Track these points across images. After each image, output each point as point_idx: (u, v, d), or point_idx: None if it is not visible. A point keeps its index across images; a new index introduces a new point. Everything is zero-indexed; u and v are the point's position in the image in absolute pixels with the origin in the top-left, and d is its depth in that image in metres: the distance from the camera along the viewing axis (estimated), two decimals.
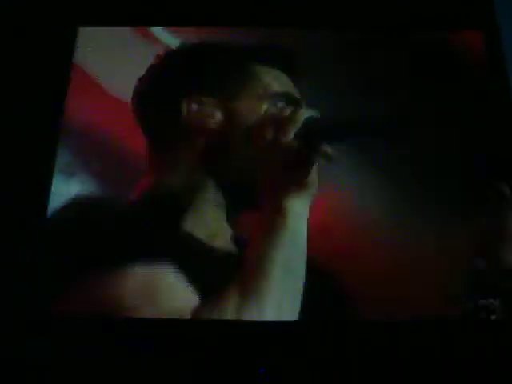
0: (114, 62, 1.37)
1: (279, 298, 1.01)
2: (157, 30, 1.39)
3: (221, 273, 1.04)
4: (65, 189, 1.27)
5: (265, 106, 1.15)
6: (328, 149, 1.04)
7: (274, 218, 1.03)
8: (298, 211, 1.04)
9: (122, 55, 1.38)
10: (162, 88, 1.21)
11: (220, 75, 1.18)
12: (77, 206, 1.18)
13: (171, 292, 1.02)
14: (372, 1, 1.48)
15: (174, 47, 1.32)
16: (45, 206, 1.24)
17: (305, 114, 1.06)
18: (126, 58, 1.37)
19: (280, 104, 1.16)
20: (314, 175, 1.07)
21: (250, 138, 1.11)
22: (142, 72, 1.24)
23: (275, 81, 1.18)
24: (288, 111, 1.08)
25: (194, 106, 1.16)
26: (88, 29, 1.43)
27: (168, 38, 1.38)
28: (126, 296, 1.00)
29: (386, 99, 1.34)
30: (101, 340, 1.15)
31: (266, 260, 1.01)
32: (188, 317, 1.02)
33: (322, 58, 1.37)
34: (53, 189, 1.27)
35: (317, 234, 1.11)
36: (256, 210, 1.07)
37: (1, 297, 1.19)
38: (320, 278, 1.12)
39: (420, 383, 1.14)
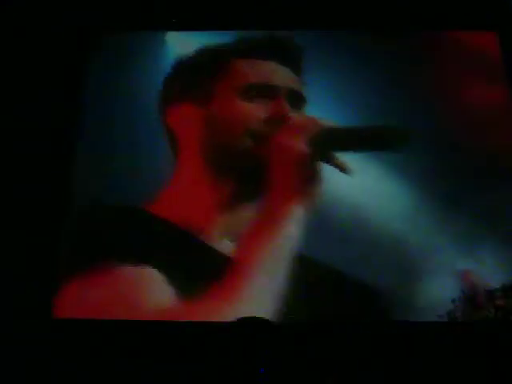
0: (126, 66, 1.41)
1: (259, 298, 1.04)
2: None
3: (208, 271, 1.08)
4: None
5: (238, 101, 1.16)
6: (344, 160, 1.05)
7: (269, 221, 1.03)
8: (296, 218, 1.04)
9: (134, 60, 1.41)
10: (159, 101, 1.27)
11: (196, 77, 1.22)
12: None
13: (152, 290, 1.04)
14: (384, 2, 1.47)
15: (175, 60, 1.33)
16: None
17: (320, 123, 1.07)
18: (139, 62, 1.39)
19: (252, 94, 1.16)
20: (319, 185, 1.08)
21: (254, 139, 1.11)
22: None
23: (255, 71, 1.19)
24: (301, 118, 1.09)
25: (174, 115, 1.20)
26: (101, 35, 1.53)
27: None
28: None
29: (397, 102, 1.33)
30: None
31: (252, 261, 1.03)
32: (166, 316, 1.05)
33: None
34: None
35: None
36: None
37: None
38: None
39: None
